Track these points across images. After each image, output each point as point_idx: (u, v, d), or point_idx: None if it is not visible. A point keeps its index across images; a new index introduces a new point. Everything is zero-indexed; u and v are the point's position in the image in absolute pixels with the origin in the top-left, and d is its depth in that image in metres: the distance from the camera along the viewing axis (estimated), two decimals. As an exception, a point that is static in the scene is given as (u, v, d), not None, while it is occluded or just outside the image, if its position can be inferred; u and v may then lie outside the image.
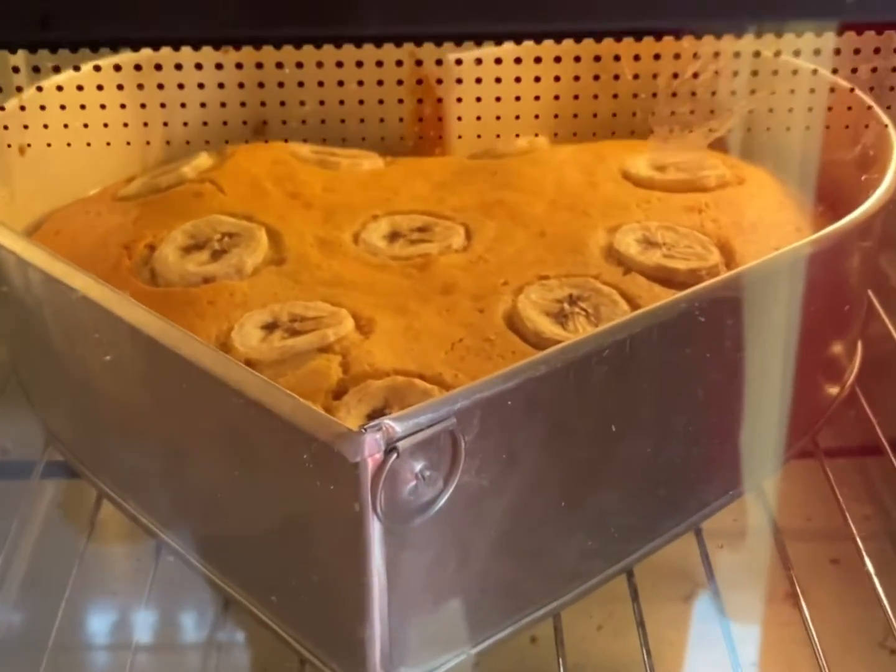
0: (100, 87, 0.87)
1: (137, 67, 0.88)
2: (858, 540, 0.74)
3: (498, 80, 0.90)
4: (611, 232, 0.77)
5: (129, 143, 0.91)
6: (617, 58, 0.83)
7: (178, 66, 0.90)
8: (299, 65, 0.88)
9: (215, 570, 0.66)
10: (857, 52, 0.80)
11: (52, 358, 0.72)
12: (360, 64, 0.90)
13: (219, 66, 0.88)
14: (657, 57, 0.79)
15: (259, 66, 0.89)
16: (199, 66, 0.90)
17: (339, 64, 0.90)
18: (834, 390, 0.80)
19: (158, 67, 0.89)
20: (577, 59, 0.88)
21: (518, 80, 0.90)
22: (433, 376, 0.65)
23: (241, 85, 0.92)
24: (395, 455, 0.52)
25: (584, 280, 0.72)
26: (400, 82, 0.91)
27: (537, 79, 0.90)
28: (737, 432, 0.69)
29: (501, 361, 0.66)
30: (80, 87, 0.87)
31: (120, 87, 0.88)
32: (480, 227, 0.79)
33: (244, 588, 0.64)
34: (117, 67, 0.88)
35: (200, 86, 0.91)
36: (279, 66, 0.88)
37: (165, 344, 0.60)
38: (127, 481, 0.71)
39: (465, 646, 0.61)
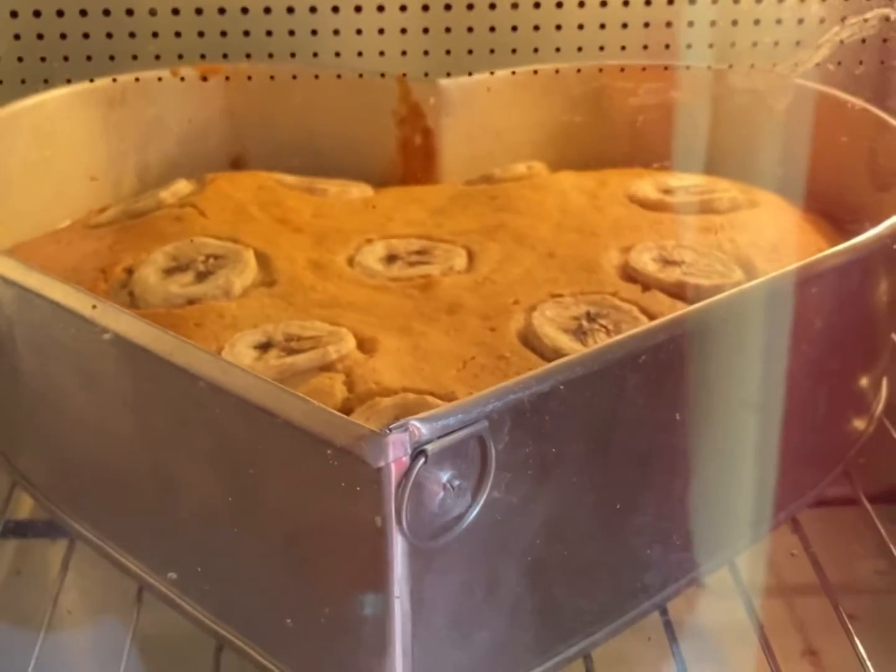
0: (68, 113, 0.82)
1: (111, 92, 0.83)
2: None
3: (490, 108, 0.87)
4: (624, 252, 0.73)
5: (100, 177, 0.85)
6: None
7: (153, 94, 0.86)
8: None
9: (209, 612, 0.59)
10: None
11: (21, 387, 0.66)
12: (341, 90, 0.86)
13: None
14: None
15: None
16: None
17: (321, 90, 0.86)
18: (860, 424, 0.75)
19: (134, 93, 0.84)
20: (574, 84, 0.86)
21: (512, 106, 0.87)
22: (446, 395, 0.59)
23: (219, 115, 0.88)
24: (422, 460, 0.46)
25: (602, 297, 0.68)
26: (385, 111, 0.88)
27: (533, 105, 0.87)
28: (770, 454, 0.64)
29: (519, 379, 0.60)
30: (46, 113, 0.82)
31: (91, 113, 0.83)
32: (484, 250, 0.74)
33: (242, 629, 0.58)
34: (88, 92, 0.83)
35: (177, 114, 0.87)
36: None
37: (157, 352, 0.53)
38: (108, 521, 0.65)
39: (492, 688, 0.55)
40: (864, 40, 0.73)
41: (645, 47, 0.88)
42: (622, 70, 0.83)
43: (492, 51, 0.88)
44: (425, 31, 0.86)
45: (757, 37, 0.75)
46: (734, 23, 0.77)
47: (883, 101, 0.75)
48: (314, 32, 0.89)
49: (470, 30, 0.85)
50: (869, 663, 0.63)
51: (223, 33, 0.88)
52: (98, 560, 0.66)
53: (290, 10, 0.89)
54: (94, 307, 0.56)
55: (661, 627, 0.65)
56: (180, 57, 0.89)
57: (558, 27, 0.84)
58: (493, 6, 0.84)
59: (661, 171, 0.84)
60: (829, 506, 0.78)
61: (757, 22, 0.75)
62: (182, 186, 0.81)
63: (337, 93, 0.89)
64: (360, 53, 0.88)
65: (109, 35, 0.88)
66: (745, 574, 0.70)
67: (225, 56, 0.90)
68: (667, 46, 0.82)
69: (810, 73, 0.74)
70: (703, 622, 0.75)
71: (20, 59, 0.89)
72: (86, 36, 0.87)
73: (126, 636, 0.63)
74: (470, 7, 0.84)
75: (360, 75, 0.85)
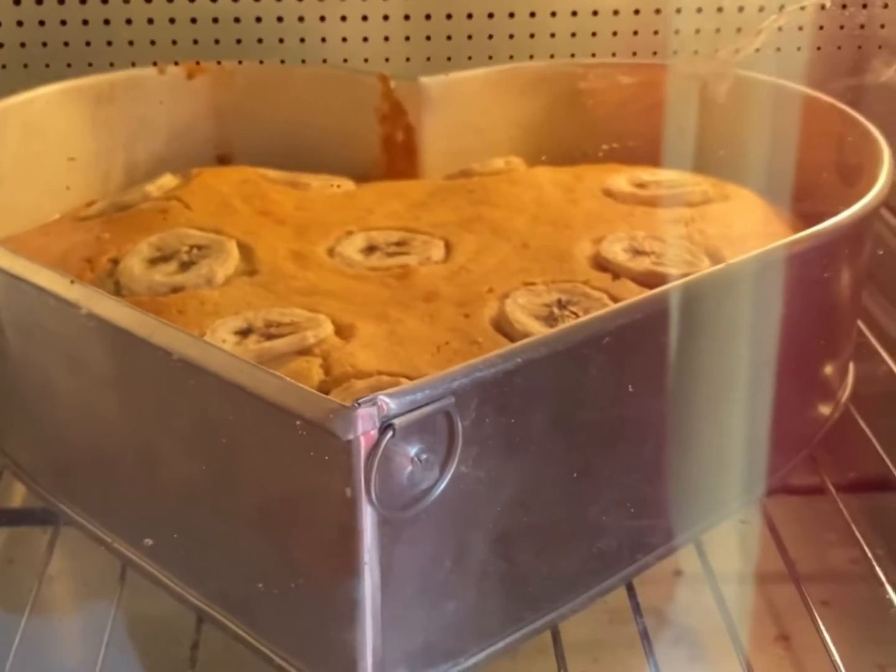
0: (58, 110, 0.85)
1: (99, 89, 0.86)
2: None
3: (470, 105, 0.89)
4: (596, 242, 0.75)
5: (88, 172, 0.87)
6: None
7: (140, 91, 0.88)
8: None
9: (189, 586, 0.61)
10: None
11: (8, 373, 0.68)
12: (325, 88, 0.89)
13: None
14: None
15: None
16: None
17: (304, 88, 0.89)
18: (826, 410, 0.77)
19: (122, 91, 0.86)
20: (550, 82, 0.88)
21: (491, 103, 0.89)
22: (420, 377, 0.61)
23: (205, 112, 0.90)
24: (390, 433, 0.48)
25: (573, 285, 0.70)
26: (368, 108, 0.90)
27: (511, 103, 0.89)
28: (733, 437, 0.66)
29: (491, 363, 0.62)
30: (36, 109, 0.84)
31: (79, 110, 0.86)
32: (460, 241, 0.76)
33: (220, 602, 0.60)
34: (77, 89, 0.85)
35: (164, 112, 0.89)
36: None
37: (138, 334, 0.56)
38: (94, 501, 0.67)
39: (460, 657, 0.57)
40: (801, 27, 0.76)
41: (594, 34, 0.91)
42: (584, 66, 0.86)
43: (469, 57, 0.91)
44: (407, 38, 0.89)
45: (700, 24, 0.78)
46: (678, 11, 0.80)
47: (821, 86, 0.78)
48: (302, 40, 0.92)
49: (449, 38, 0.89)
50: (833, 648, 0.64)
51: (216, 41, 0.92)
52: (84, 541, 0.68)
53: (280, 19, 0.92)
54: (71, 282, 0.58)
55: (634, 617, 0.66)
56: (175, 64, 0.91)
57: (511, 36, 0.89)
58: (470, 16, 0.88)
59: (635, 166, 0.86)
60: (804, 495, 0.80)
61: (699, 10, 0.79)
62: (168, 180, 0.83)
63: (321, 90, 0.91)
64: (345, 60, 0.91)
65: (107, 21, 0.91)
66: (714, 561, 0.71)
67: (219, 63, 0.92)
68: (614, 33, 0.85)
69: (750, 58, 0.77)
70: (674, 609, 0.78)
71: (25, 66, 0.92)
72: (85, 23, 0.90)
73: (109, 612, 0.65)
74: (449, 17, 0.88)
75: (342, 69, 0.87)
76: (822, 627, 0.66)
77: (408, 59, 0.91)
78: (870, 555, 0.70)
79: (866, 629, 0.74)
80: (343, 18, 0.91)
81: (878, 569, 0.69)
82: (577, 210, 0.80)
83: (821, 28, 0.78)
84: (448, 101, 0.90)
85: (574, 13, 0.89)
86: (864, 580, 0.71)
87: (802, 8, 0.74)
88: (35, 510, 0.75)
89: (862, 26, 0.79)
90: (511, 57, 0.92)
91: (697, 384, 0.62)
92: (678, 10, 0.79)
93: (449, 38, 0.90)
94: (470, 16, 0.89)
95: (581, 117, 0.89)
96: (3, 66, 0.92)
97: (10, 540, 0.83)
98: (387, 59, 0.91)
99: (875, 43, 0.78)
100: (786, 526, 0.77)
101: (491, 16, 0.89)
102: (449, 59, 0.92)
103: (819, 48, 0.80)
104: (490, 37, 0.90)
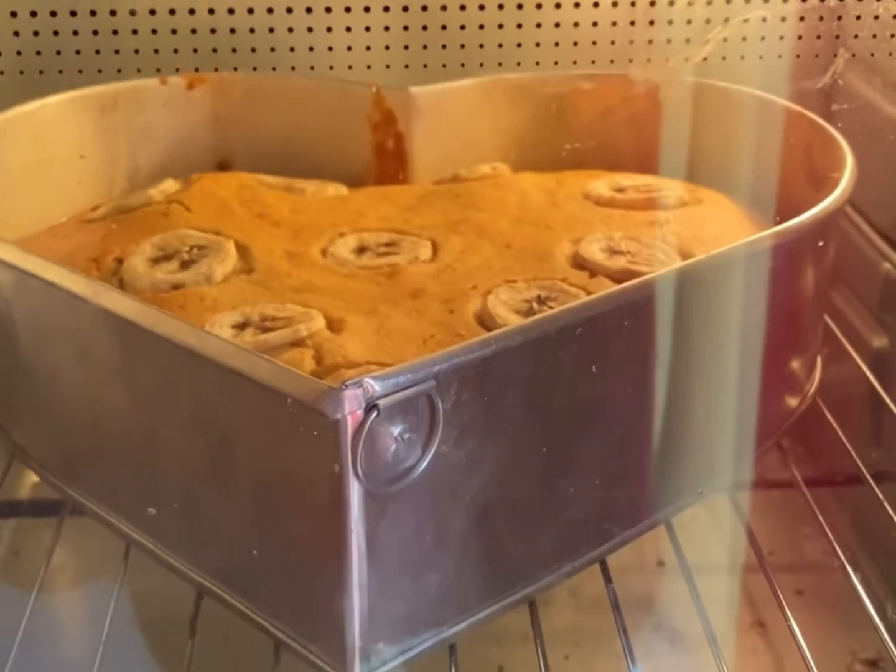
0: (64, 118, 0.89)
1: (103, 99, 0.90)
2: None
3: (458, 114, 0.93)
4: (575, 243, 0.79)
5: (93, 178, 0.91)
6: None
7: (143, 101, 0.92)
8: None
9: (189, 562, 0.65)
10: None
11: (18, 364, 0.72)
12: (320, 98, 0.93)
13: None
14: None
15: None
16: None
17: (300, 98, 0.93)
18: (793, 401, 0.81)
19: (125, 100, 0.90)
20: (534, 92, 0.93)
21: (478, 113, 0.93)
22: (405, 366, 0.65)
23: (205, 121, 0.94)
24: (375, 413, 0.52)
25: (552, 282, 0.74)
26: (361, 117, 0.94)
27: (497, 112, 0.93)
28: (700, 424, 0.70)
29: (473, 353, 0.66)
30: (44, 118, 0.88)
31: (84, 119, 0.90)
32: (447, 242, 0.80)
33: (219, 576, 0.64)
34: (82, 99, 0.89)
35: (166, 120, 0.93)
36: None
37: (141, 324, 0.60)
38: (99, 485, 0.71)
39: (442, 626, 0.61)
40: (744, 38, 0.81)
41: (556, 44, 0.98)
42: (565, 77, 0.91)
43: (444, 65, 0.97)
44: (387, 48, 0.94)
45: (652, 35, 0.83)
46: (632, 23, 0.85)
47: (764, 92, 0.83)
48: (292, 49, 0.96)
49: (425, 47, 0.94)
50: (799, 633, 0.67)
51: (214, 49, 0.96)
52: (88, 529, 0.72)
53: (272, 30, 0.97)
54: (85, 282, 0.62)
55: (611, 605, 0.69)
56: (177, 70, 0.96)
57: (500, 45, 0.94)
58: (444, 27, 0.93)
59: (615, 171, 0.90)
60: (775, 488, 0.84)
61: (651, 22, 0.83)
62: (169, 185, 0.87)
63: (316, 101, 0.95)
64: (331, 67, 0.96)
65: (117, 51, 0.96)
66: (691, 552, 0.74)
67: (216, 70, 0.96)
68: (595, 45, 0.89)
69: (699, 66, 0.82)
70: (656, 598, 0.81)
71: (41, 72, 0.96)
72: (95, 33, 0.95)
73: (113, 590, 0.69)
74: (425, 28, 0.93)
75: (336, 80, 0.91)
76: (790, 614, 0.69)
77: (387, 67, 0.95)
78: (836, 545, 0.74)
79: (839, 616, 0.78)
80: (329, 49, 0.96)
81: (843, 559, 0.72)
82: (558, 213, 0.84)
83: (762, 39, 0.83)
84: (437, 110, 0.94)
85: (538, 25, 0.94)
86: (837, 570, 0.73)
87: (745, 20, 0.78)
88: (41, 501, 0.79)
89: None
90: (481, 65, 0.96)
91: (665, 373, 0.66)
92: (632, 23, 0.84)
93: (425, 47, 0.95)
94: (444, 27, 0.94)
95: (564, 125, 0.93)
96: (21, 72, 0.96)
97: (18, 530, 0.87)
98: (368, 67, 0.95)
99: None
100: (762, 518, 0.81)
101: (463, 27, 0.94)
102: (425, 66, 0.96)
103: (761, 57, 0.85)
104: (462, 46, 0.95)
